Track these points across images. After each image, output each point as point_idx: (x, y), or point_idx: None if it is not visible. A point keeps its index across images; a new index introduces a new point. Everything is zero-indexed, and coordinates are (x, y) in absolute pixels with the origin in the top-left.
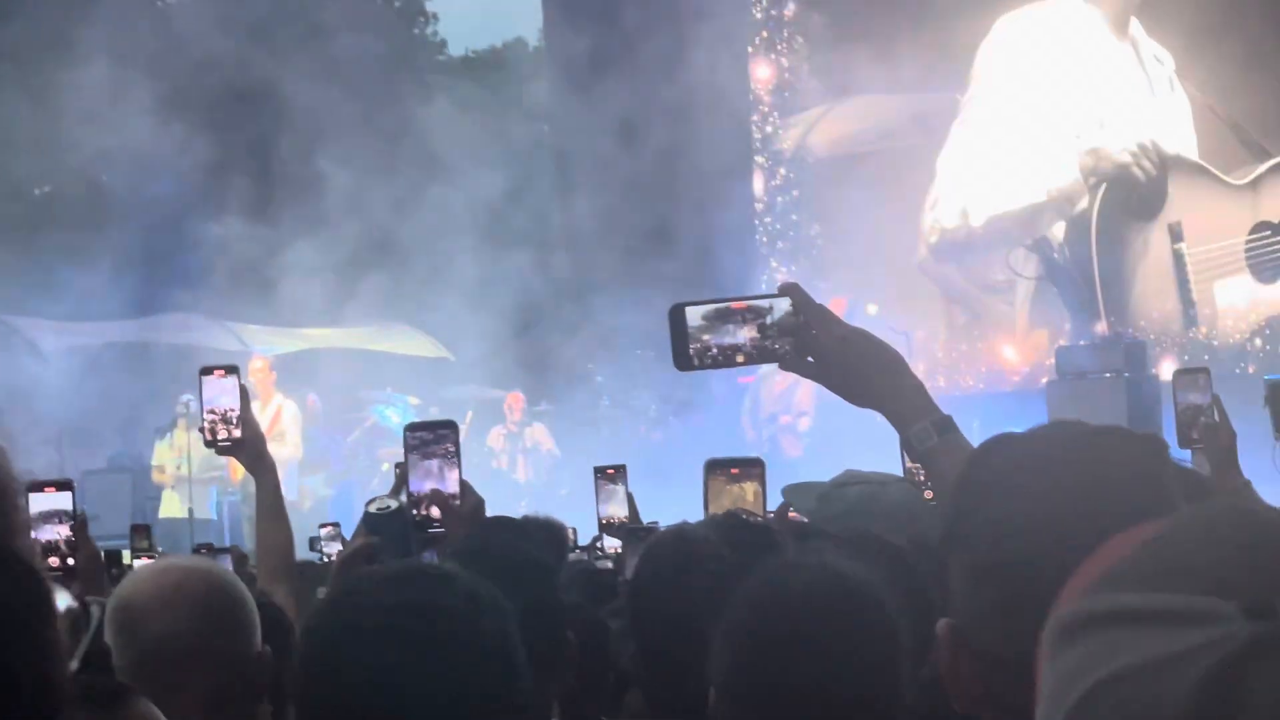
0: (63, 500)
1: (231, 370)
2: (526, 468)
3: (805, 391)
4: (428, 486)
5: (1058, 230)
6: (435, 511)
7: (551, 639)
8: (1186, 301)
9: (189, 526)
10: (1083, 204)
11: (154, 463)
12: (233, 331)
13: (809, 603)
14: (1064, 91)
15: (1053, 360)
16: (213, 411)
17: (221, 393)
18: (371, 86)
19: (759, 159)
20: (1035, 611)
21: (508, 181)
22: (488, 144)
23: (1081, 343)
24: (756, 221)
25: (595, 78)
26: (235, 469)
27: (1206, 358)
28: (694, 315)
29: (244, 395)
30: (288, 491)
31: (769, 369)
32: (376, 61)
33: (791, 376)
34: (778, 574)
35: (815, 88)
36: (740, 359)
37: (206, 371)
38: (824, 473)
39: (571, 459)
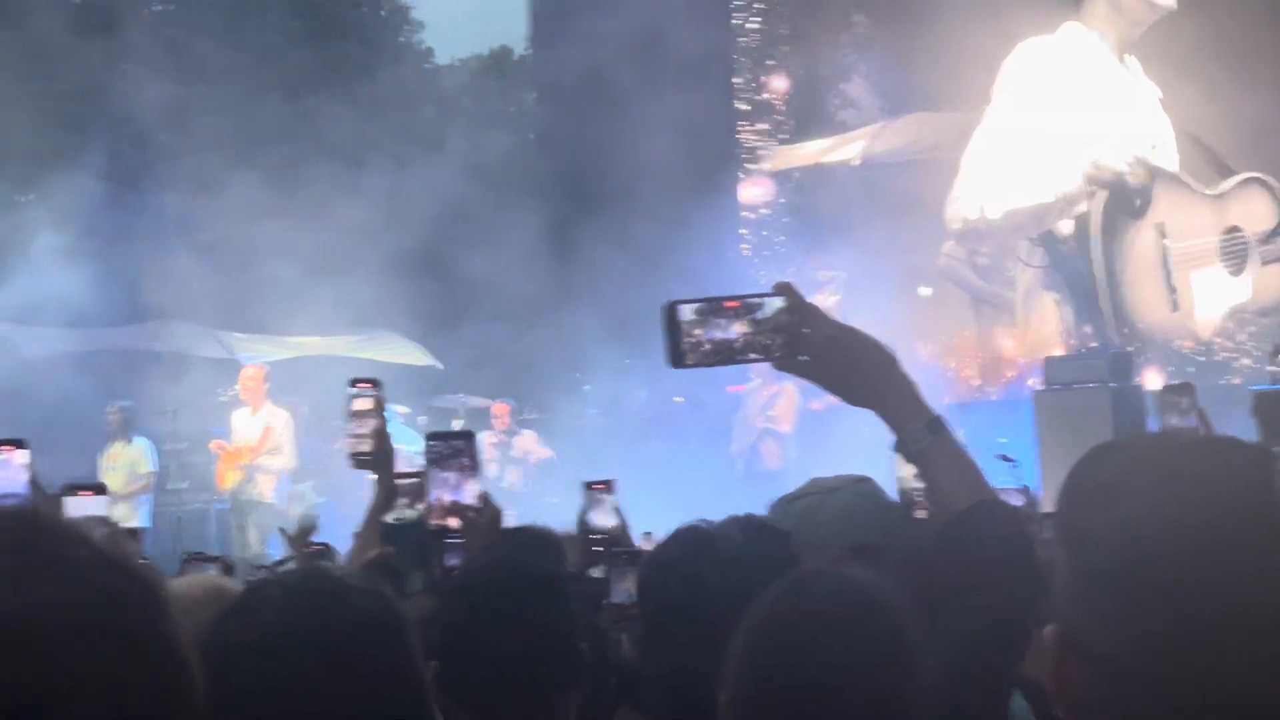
0: (98, 505)
1: (375, 384)
2: (516, 476)
3: (786, 400)
4: (446, 497)
5: (1064, 226)
6: (453, 522)
7: (568, 651)
8: (1169, 287)
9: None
10: (1082, 206)
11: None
12: (219, 339)
13: (826, 612)
14: (1072, 106)
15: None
16: (356, 426)
17: (364, 407)
18: (358, 92)
19: (765, 165)
20: (1161, 616)
21: (494, 192)
22: (475, 153)
23: (1087, 345)
24: (743, 231)
25: (581, 87)
26: (223, 477)
27: (1192, 370)
28: (687, 312)
29: (379, 408)
30: (277, 500)
31: (760, 377)
32: (365, 68)
33: (774, 386)
34: (796, 582)
35: (875, 103)
36: (733, 357)
37: (353, 384)
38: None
39: (559, 467)
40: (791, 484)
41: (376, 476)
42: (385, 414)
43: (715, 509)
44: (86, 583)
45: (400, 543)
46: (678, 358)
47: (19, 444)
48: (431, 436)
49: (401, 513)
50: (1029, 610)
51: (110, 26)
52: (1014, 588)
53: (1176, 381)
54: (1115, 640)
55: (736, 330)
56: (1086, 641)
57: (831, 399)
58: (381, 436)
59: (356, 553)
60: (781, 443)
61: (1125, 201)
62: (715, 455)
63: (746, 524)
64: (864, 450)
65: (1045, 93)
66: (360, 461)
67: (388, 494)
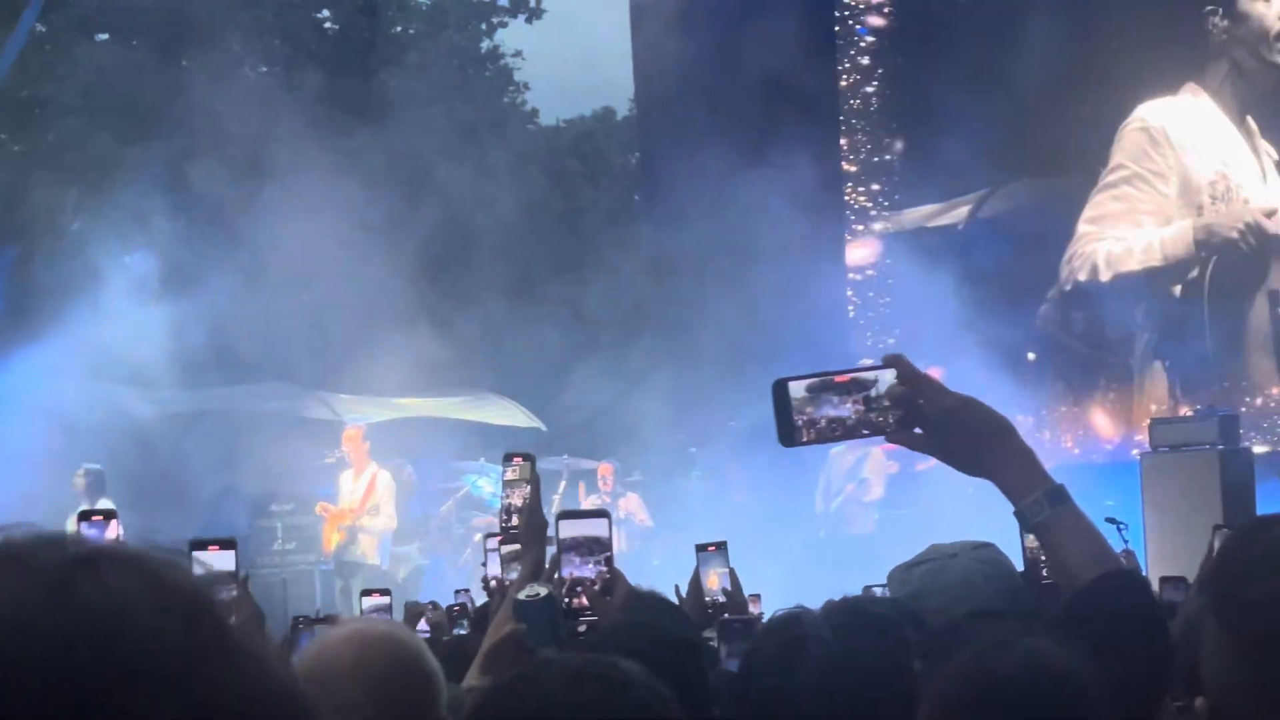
0: (226, 560)
1: (527, 457)
2: (619, 538)
3: (874, 464)
4: (578, 574)
5: (1176, 290)
6: (584, 599)
7: (702, 715)
8: None
9: None
10: (1194, 272)
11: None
12: (324, 401)
13: (1016, 686)
14: (1188, 169)
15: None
16: (506, 498)
17: (514, 477)
18: (466, 153)
19: (877, 225)
20: None
21: (597, 253)
22: (580, 214)
23: (1185, 411)
24: (851, 293)
25: (686, 148)
26: (328, 539)
27: None
28: (797, 389)
29: (534, 483)
30: (381, 560)
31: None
32: (470, 127)
33: (860, 449)
34: (985, 655)
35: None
36: (847, 434)
37: (508, 459)
38: (899, 549)
39: (662, 530)
40: (881, 548)
41: (524, 550)
42: (537, 489)
43: (814, 574)
44: None
45: (532, 620)
46: (789, 436)
47: (111, 515)
48: (563, 515)
49: (533, 589)
50: (1161, 682)
51: (218, 89)
52: (1145, 660)
53: None
54: (1262, 710)
55: (849, 407)
56: (1236, 710)
57: (937, 462)
58: (531, 511)
59: (493, 629)
60: (868, 508)
61: (1237, 268)
62: (807, 514)
63: (844, 617)
64: (966, 515)
65: (1161, 155)
66: (510, 535)
67: (534, 568)
